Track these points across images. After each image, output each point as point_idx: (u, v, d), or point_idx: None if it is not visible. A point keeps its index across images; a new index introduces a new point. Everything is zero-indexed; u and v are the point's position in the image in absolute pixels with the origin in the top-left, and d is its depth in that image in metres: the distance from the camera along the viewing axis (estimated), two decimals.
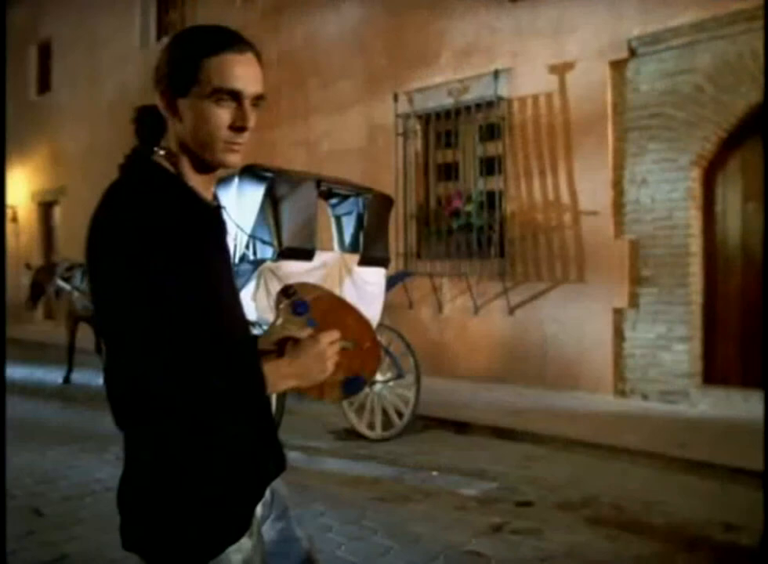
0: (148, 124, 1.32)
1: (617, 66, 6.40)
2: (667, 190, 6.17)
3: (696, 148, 6.01)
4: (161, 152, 1.28)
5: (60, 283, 7.95)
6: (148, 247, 1.13)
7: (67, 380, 8.19)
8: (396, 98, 7.79)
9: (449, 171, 7.74)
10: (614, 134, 6.45)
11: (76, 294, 7.72)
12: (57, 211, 14.52)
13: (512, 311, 7.10)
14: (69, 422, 6.32)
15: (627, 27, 6.30)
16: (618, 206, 6.45)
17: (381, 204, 5.68)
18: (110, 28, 11.99)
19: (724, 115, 5.87)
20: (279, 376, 1.23)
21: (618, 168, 6.43)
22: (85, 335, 8.22)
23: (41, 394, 7.65)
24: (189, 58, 1.22)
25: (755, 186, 6.01)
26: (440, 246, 7.59)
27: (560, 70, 6.72)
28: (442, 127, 7.73)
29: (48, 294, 8.38)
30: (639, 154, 6.31)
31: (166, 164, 1.27)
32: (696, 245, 6.14)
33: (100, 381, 7.90)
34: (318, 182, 5.24)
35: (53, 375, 8.53)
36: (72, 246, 12.61)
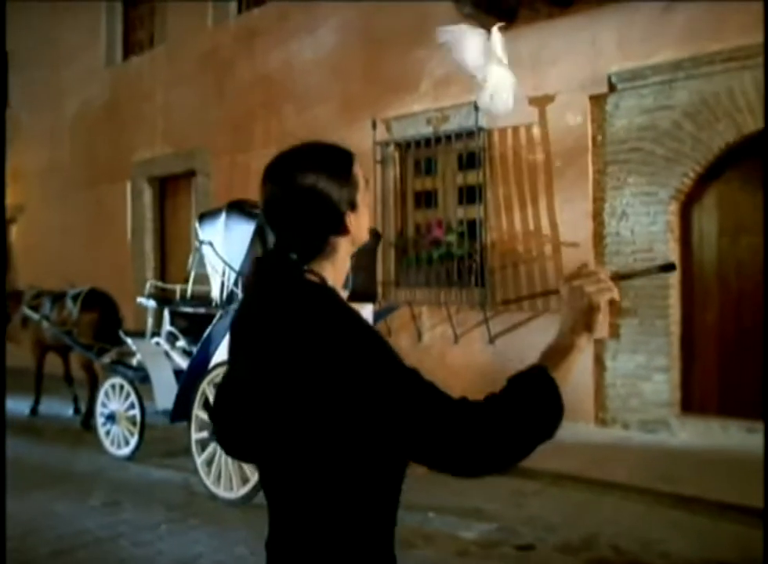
0: (292, 245, 1.36)
1: (597, 100, 6.51)
2: (647, 223, 6.29)
3: (675, 183, 6.15)
4: (310, 269, 1.35)
5: (27, 312, 7.70)
6: (370, 342, 1.23)
7: (34, 411, 7.92)
8: (374, 125, 7.78)
9: (427, 199, 7.76)
10: (593, 167, 6.55)
11: (45, 323, 7.48)
12: (14, 230, 14.10)
13: (492, 340, 7.14)
14: (43, 461, 6.11)
15: (607, 62, 6.42)
16: (599, 238, 6.55)
17: (369, 239, 5.65)
18: (74, 45, 11.70)
19: (702, 152, 6.02)
20: (564, 346, 1.32)
21: (598, 200, 6.54)
22: (51, 362, 7.98)
23: (8, 427, 7.36)
24: (348, 174, 1.38)
25: (731, 218, 6.18)
26: (419, 274, 7.58)
27: (540, 102, 6.81)
28: (420, 155, 7.75)
29: (13, 323, 8.07)
30: (619, 187, 6.43)
31: (317, 281, 1.34)
32: (674, 277, 6.27)
33: (69, 411, 7.75)
34: None
35: (19, 406, 8.19)
36: (28, 265, 12.29)
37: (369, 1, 8.03)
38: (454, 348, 7.40)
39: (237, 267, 5.10)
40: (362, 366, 1.19)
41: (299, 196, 1.34)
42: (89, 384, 7.28)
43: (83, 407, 7.58)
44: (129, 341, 6.25)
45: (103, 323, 7.12)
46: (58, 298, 7.56)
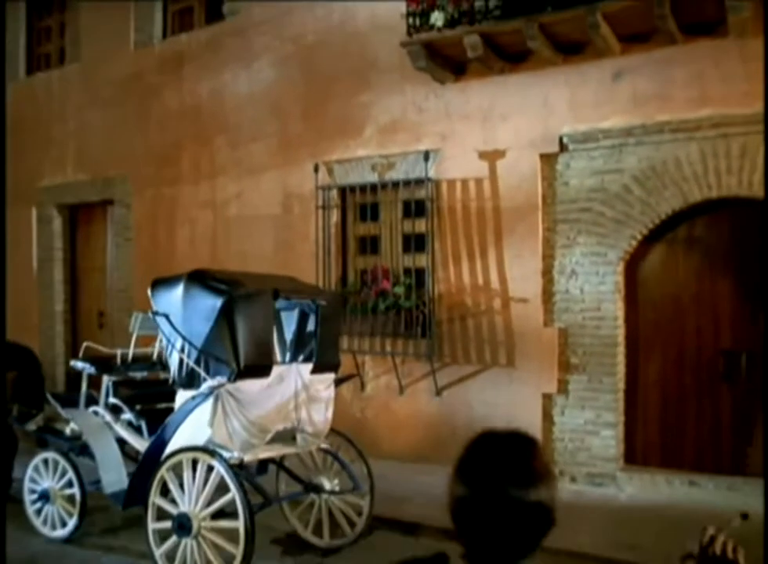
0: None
1: (548, 159, 6.58)
2: (596, 283, 6.43)
3: (623, 245, 6.31)
4: None
5: None
6: None
7: None
8: (316, 169, 7.55)
9: (371, 245, 7.59)
10: (543, 224, 6.62)
11: None
12: None
13: (439, 392, 7.11)
14: None
15: (558, 122, 6.49)
16: (548, 294, 6.63)
17: (333, 307, 5.47)
18: None
19: (650, 216, 6.21)
20: None
21: (548, 257, 6.62)
22: None
23: None
24: (550, 468, 1.41)
25: (672, 277, 6.42)
26: (363, 323, 7.41)
27: (490, 156, 6.81)
28: (365, 200, 7.58)
29: None
30: (569, 246, 6.53)
31: None
32: (621, 335, 6.45)
33: None
34: (276, 293, 4.94)
35: None
36: None
37: (308, 37, 7.80)
38: (400, 399, 7.31)
39: (198, 344, 4.77)
40: None
41: (523, 513, 1.23)
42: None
43: None
44: (63, 411, 5.73)
45: (23, 383, 6.52)
46: None
